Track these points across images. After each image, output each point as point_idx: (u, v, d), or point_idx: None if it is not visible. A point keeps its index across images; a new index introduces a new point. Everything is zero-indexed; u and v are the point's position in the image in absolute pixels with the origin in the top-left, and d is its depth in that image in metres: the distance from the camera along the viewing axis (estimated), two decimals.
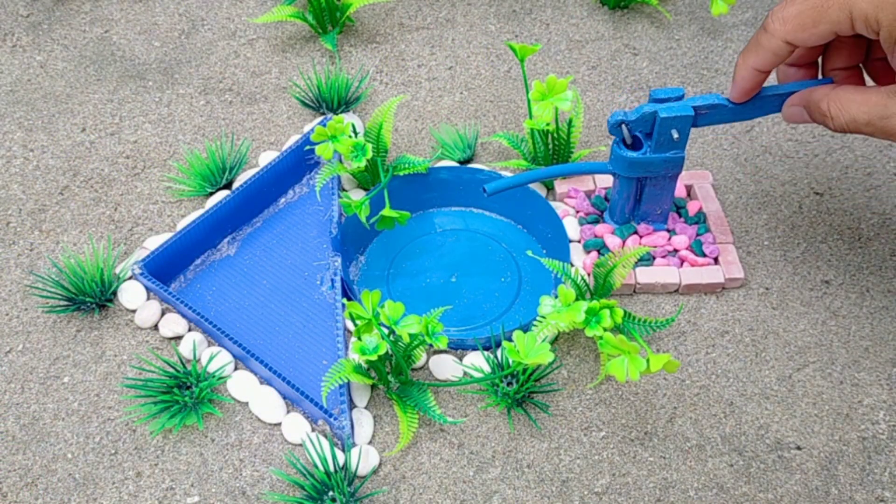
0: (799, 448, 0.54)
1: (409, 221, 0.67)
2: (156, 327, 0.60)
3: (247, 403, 0.56)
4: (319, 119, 0.73)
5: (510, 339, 0.58)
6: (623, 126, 0.56)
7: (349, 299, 0.61)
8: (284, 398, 0.56)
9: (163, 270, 0.62)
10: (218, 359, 0.58)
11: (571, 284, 0.58)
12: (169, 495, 0.52)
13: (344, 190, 0.68)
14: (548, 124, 0.62)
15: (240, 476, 0.53)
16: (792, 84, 0.55)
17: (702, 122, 0.56)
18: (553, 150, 0.67)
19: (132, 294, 0.61)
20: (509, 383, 0.56)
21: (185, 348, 0.59)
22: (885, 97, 0.48)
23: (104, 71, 0.79)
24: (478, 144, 0.72)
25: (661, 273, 0.61)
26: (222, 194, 0.66)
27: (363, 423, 0.55)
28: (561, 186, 0.67)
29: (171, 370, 0.56)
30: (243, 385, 0.57)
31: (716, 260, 0.62)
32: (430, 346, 0.58)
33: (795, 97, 0.54)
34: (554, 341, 0.59)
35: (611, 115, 0.57)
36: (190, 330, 0.60)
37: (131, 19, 0.84)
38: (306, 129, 0.72)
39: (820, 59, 0.56)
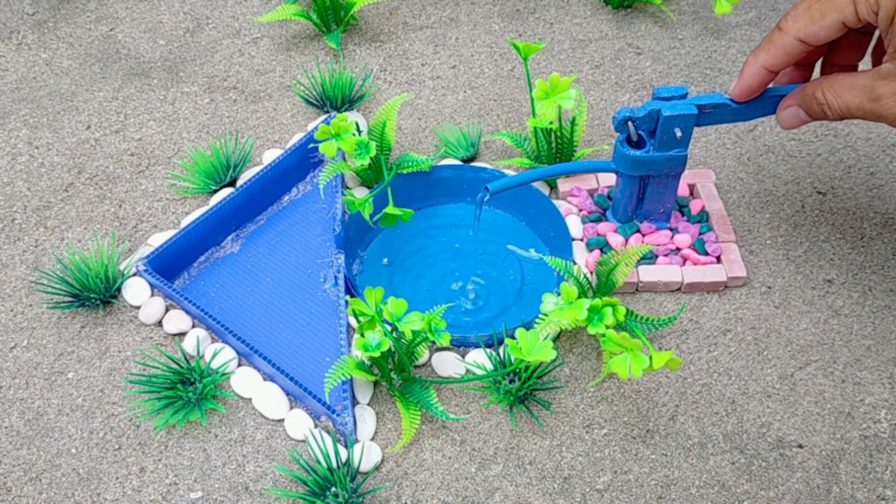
0: (800, 446, 0.54)
1: (413, 219, 0.67)
2: (160, 324, 0.60)
3: (250, 399, 0.57)
4: (323, 117, 0.73)
5: (512, 337, 0.58)
6: (629, 123, 0.56)
7: (352, 296, 0.61)
8: (287, 394, 0.57)
9: (167, 267, 0.62)
10: (221, 355, 0.58)
11: (574, 282, 0.58)
12: (172, 490, 0.53)
13: (347, 188, 0.69)
14: (551, 123, 0.62)
15: (243, 472, 0.53)
16: (792, 86, 0.55)
17: (704, 122, 0.57)
18: (556, 149, 0.67)
19: (136, 290, 0.61)
20: (511, 381, 0.56)
21: (188, 344, 0.59)
22: (872, 79, 0.49)
23: (109, 69, 0.79)
24: (481, 143, 0.72)
25: (664, 271, 0.61)
26: (226, 192, 0.67)
27: (366, 419, 0.55)
28: (564, 185, 0.67)
29: (175, 366, 0.57)
30: (246, 381, 0.57)
31: (718, 259, 0.62)
32: (433, 342, 0.58)
33: (789, 97, 0.54)
34: (556, 339, 0.59)
35: (617, 111, 0.57)
36: (194, 326, 0.60)
37: (136, 17, 0.84)
38: (310, 127, 0.73)
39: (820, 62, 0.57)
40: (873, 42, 0.55)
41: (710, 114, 0.56)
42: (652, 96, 0.61)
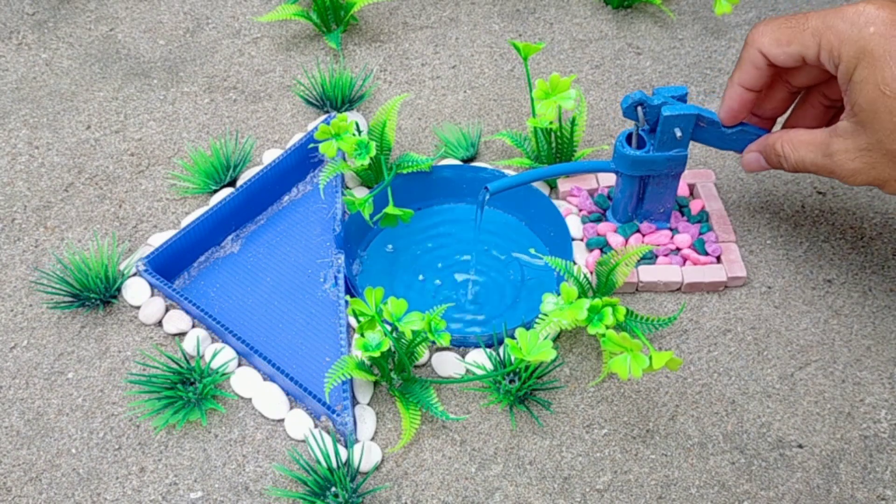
0: (800, 446, 0.54)
1: (412, 219, 0.67)
2: (160, 324, 0.60)
3: (250, 399, 0.57)
4: (323, 117, 0.73)
5: (512, 337, 0.58)
6: (639, 108, 0.56)
7: (352, 296, 0.61)
8: (287, 394, 0.57)
9: (167, 267, 0.62)
10: (221, 355, 0.58)
11: (574, 282, 0.58)
12: (172, 490, 0.53)
13: (347, 188, 0.69)
14: (551, 123, 0.62)
15: (243, 472, 0.53)
16: (763, 131, 0.58)
17: (696, 137, 0.57)
18: (556, 149, 0.67)
19: (136, 290, 0.61)
20: (511, 381, 0.56)
21: (188, 344, 0.59)
22: (827, 136, 0.51)
23: (109, 69, 0.79)
24: (481, 143, 0.72)
25: (664, 271, 0.61)
26: (226, 192, 0.67)
27: (366, 419, 0.55)
28: (564, 185, 0.67)
29: (175, 366, 0.57)
30: (246, 381, 0.57)
31: (718, 259, 0.62)
32: (433, 342, 0.58)
33: (754, 144, 0.57)
34: (556, 339, 0.59)
35: (631, 93, 0.56)
36: (194, 326, 0.60)
37: (136, 17, 0.84)
38: (310, 127, 0.73)
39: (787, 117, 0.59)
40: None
41: (703, 129, 0.57)
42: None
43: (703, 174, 0.67)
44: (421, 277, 0.64)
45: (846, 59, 0.48)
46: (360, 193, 0.68)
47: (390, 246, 0.65)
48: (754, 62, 0.53)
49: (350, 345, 0.58)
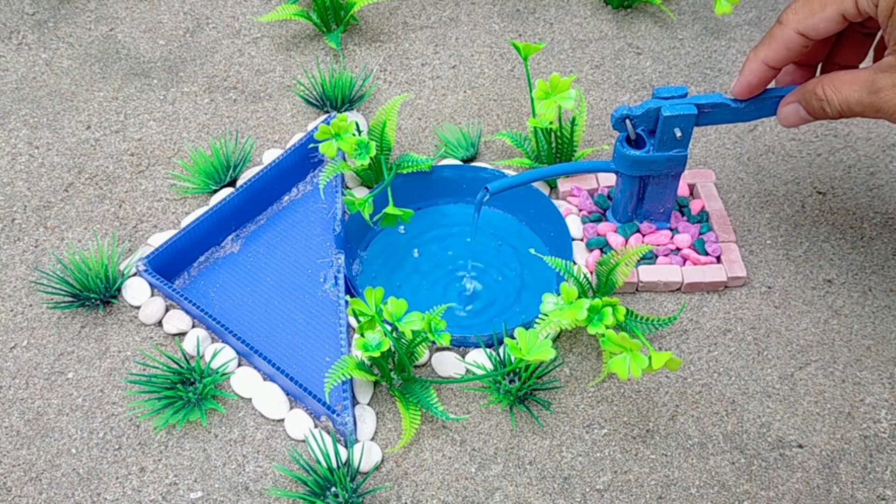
0: (800, 446, 0.54)
1: (413, 219, 0.67)
2: (160, 324, 0.60)
3: (250, 399, 0.57)
4: (323, 117, 0.73)
5: (512, 337, 0.58)
6: (627, 121, 0.56)
7: (352, 296, 0.61)
8: (287, 394, 0.57)
9: (167, 267, 0.62)
10: (221, 355, 0.58)
11: (574, 282, 0.58)
12: (172, 490, 0.53)
13: (347, 188, 0.69)
14: (551, 123, 0.62)
15: (243, 472, 0.53)
16: (792, 87, 0.55)
17: (703, 122, 0.56)
18: (556, 149, 0.67)
19: (136, 290, 0.61)
20: (511, 380, 0.56)
21: (188, 344, 0.59)
22: (872, 73, 0.49)
23: (109, 69, 0.79)
24: (481, 143, 0.72)
25: (664, 271, 0.61)
26: (226, 192, 0.67)
27: (366, 419, 0.55)
28: (564, 185, 0.67)
29: (175, 366, 0.57)
30: (246, 381, 0.57)
31: (718, 259, 0.62)
32: (433, 342, 0.58)
33: (790, 95, 0.54)
34: (556, 339, 0.59)
35: (615, 109, 0.57)
36: (194, 326, 0.60)
37: (136, 17, 0.84)
38: (310, 127, 0.73)
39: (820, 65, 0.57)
40: (875, 41, 0.55)
41: (710, 114, 0.56)
42: (652, 96, 0.61)
43: (703, 174, 0.67)
44: (416, 253, 0.64)
45: None
46: (360, 193, 0.68)
47: (402, 228, 0.66)
48: (787, 43, 0.51)
49: (350, 345, 0.58)
